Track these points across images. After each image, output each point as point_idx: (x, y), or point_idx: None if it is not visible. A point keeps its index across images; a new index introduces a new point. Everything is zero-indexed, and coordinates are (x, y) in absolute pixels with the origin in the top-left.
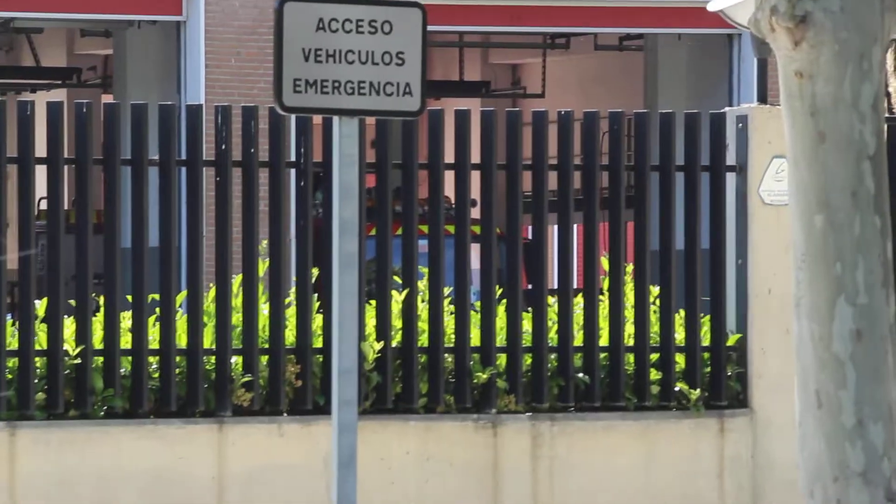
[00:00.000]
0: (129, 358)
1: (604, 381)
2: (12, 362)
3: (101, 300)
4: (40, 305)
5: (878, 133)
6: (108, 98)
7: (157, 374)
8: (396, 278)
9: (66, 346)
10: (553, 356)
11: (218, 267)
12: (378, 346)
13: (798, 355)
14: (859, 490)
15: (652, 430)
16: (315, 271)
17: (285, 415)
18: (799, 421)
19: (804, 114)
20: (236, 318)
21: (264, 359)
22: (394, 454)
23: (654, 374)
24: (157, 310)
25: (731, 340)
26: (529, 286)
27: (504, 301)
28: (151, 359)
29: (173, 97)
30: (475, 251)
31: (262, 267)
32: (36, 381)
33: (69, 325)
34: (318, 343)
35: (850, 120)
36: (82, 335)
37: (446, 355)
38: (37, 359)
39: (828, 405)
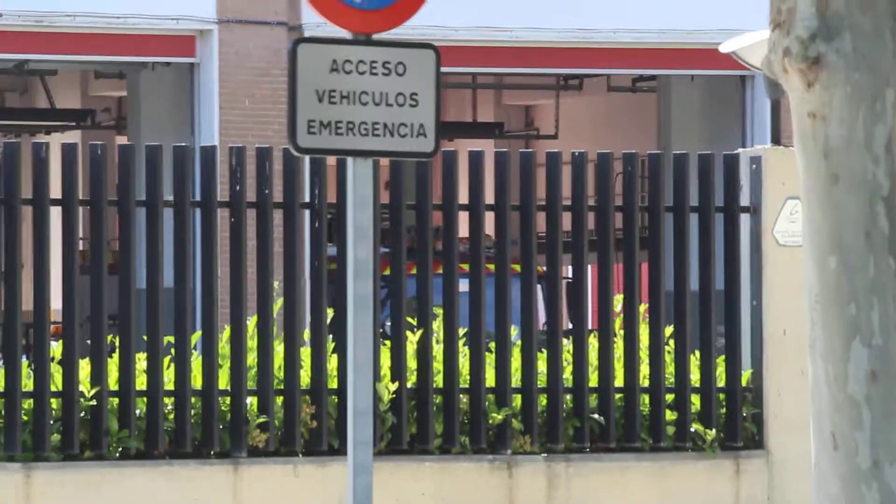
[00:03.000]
0: (145, 399)
1: (619, 422)
2: (28, 403)
3: (117, 341)
4: (56, 347)
5: (892, 174)
6: (121, 139)
7: (172, 416)
8: (410, 319)
9: (81, 388)
10: (568, 397)
11: (233, 308)
12: (393, 386)
13: (813, 397)
14: None
15: (667, 472)
16: (330, 312)
17: (300, 456)
18: (814, 462)
19: (817, 155)
20: (251, 358)
21: (279, 400)
22: (409, 495)
23: (670, 415)
24: (172, 351)
25: (746, 381)
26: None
27: (519, 342)
28: (167, 400)
29: (187, 139)
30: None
31: (277, 307)
32: (51, 422)
33: (84, 367)
34: (333, 384)
35: (863, 161)
36: (97, 376)
37: (461, 396)
38: (52, 400)
39: (843, 447)
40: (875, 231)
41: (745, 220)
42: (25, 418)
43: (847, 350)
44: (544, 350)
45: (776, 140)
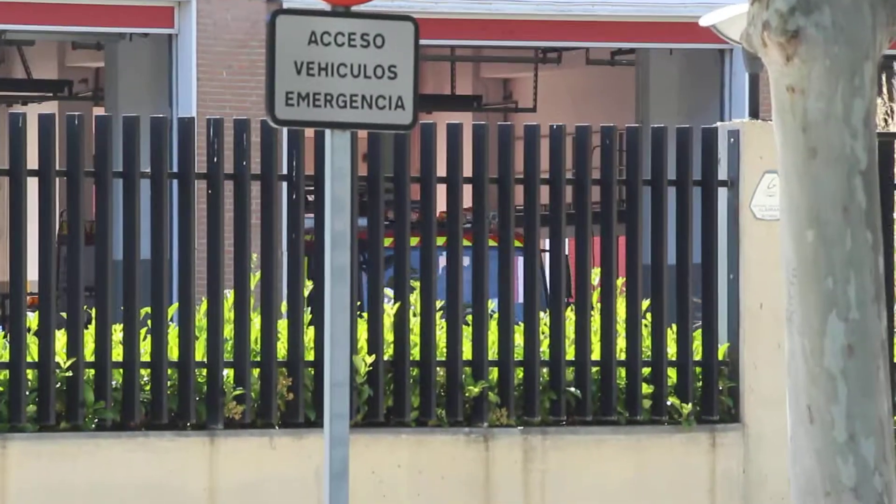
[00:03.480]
0: (121, 370)
1: (595, 396)
2: (3, 374)
3: (93, 312)
4: (33, 318)
5: (870, 148)
6: (99, 110)
7: (148, 387)
8: (387, 291)
9: (57, 359)
10: (545, 370)
11: (210, 280)
12: (370, 359)
13: (789, 370)
14: None
15: (643, 445)
16: (308, 284)
17: (277, 428)
18: (790, 436)
19: (796, 129)
20: (228, 330)
21: (256, 372)
22: (385, 467)
23: (646, 389)
24: (149, 322)
25: (722, 355)
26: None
27: (496, 315)
28: (143, 371)
29: (165, 110)
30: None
31: (254, 280)
32: (27, 393)
33: (61, 338)
34: (310, 356)
35: (841, 135)
36: (74, 348)
37: (438, 369)
38: (28, 371)
39: (819, 420)
40: (852, 205)
41: (722, 194)
42: (1, 389)
43: (824, 324)
44: (521, 323)
45: (754, 114)
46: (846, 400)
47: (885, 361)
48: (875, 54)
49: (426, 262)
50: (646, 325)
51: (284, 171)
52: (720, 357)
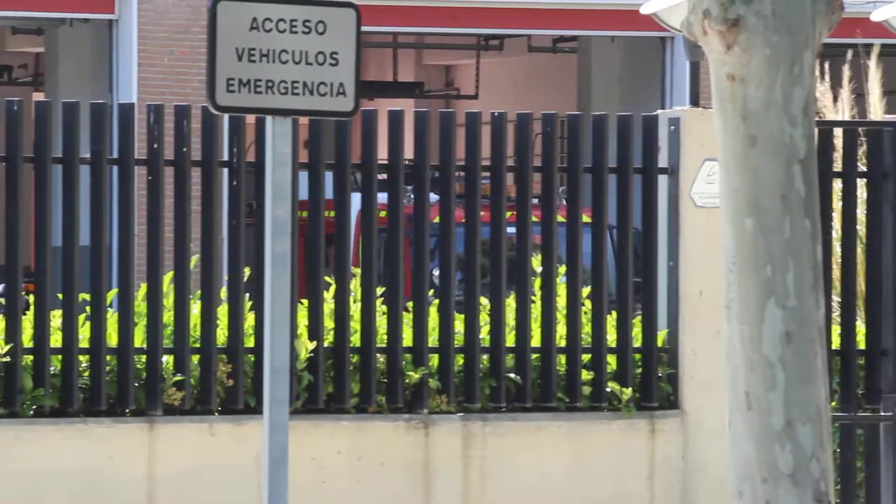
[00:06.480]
0: (59, 357)
1: (536, 382)
2: None
3: (31, 298)
4: None
5: (809, 137)
6: (39, 96)
7: (87, 373)
8: (328, 279)
9: None
10: (485, 357)
11: (149, 266)
12: (310, 345)
13: (728, 357)
14: (788, 491)
15: (583, 431)
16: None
17: (216, 414)
18: (728, 422)
19: (735, 117)
20: (167, 317)
21: (195, 358)
22: (325, 454)
23: (586, 375)
24: (88, 308)
25: (661, 341)
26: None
27: (436, 301)
28: (82, 357)
29: (105, 95)
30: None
31: (194, 265)
32: None
33: None
34: (250, 342)
35: (780, 124)
36: (11, 333)
37: (378, 355)
38: None
39: (757, 407)
40: (791, 193)
41: (662, 182)
42: None
43: (762, 311)
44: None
45: (695, 102)
46: (784, 387)
47: (823, 349)
48: (814, 43)
49: (367, 248)
50: (585, 312)
51: (225, 158)
52: (660, 344)
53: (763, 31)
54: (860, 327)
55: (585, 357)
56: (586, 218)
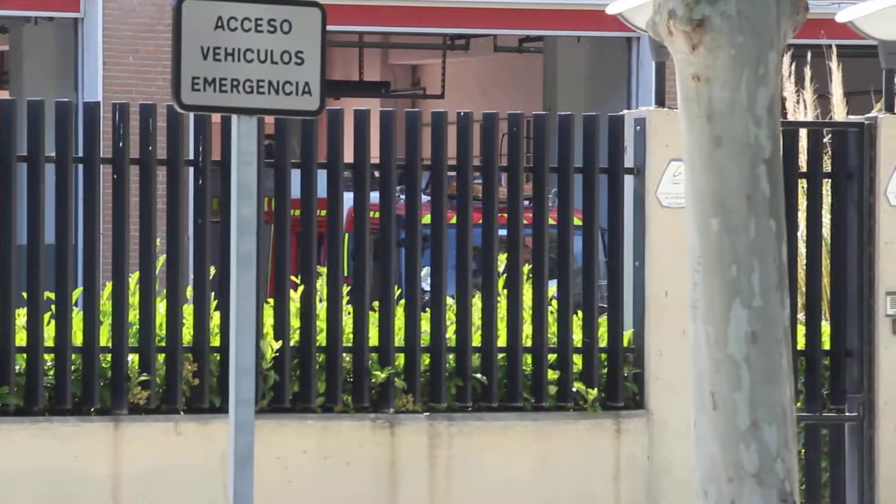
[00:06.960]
0: (24, 355)
1: (502, 382)
2: None
3: None
4: None
5: (774, 137)
6: (3, 94)
7: (52, 372)
8: (294, 278)
9: None
10: (451, 356)
11: (115, 264)
12: (276, 344)
13: (693, 357)
14: (753, 491)
15: (549, 431)
16: (212, 269)
17: (182, 413)
18: (694, 422)
19: (701, 117)
20: (133, 315)
21: (161, 357)
22: (291, 453)
23: (552, 375)
24: (53, 307)
25: (627, 341)
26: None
27: (402, 301)
28: (47, 356)
29: (70, 94)
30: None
31: (160, 264)
32: None
33: None
34: (216, 342)
35: (745, 124)
36: None
37: (344, 354)
38: None
39: (723, 407)
40: (756, 193)
41: (628, 182)
42: None
43: (727, 311)
44: (428, 310)
45: (660, 102)
46: (749, 387)
47: (788, 349)
48: (779, 43)
49: (332, 248)
50: (552, 312)
51: (191, 157)
52: (625, 343)
53: (728, 31)
54: (825, 327)
55: (551, 357)
56: (552, 221)
